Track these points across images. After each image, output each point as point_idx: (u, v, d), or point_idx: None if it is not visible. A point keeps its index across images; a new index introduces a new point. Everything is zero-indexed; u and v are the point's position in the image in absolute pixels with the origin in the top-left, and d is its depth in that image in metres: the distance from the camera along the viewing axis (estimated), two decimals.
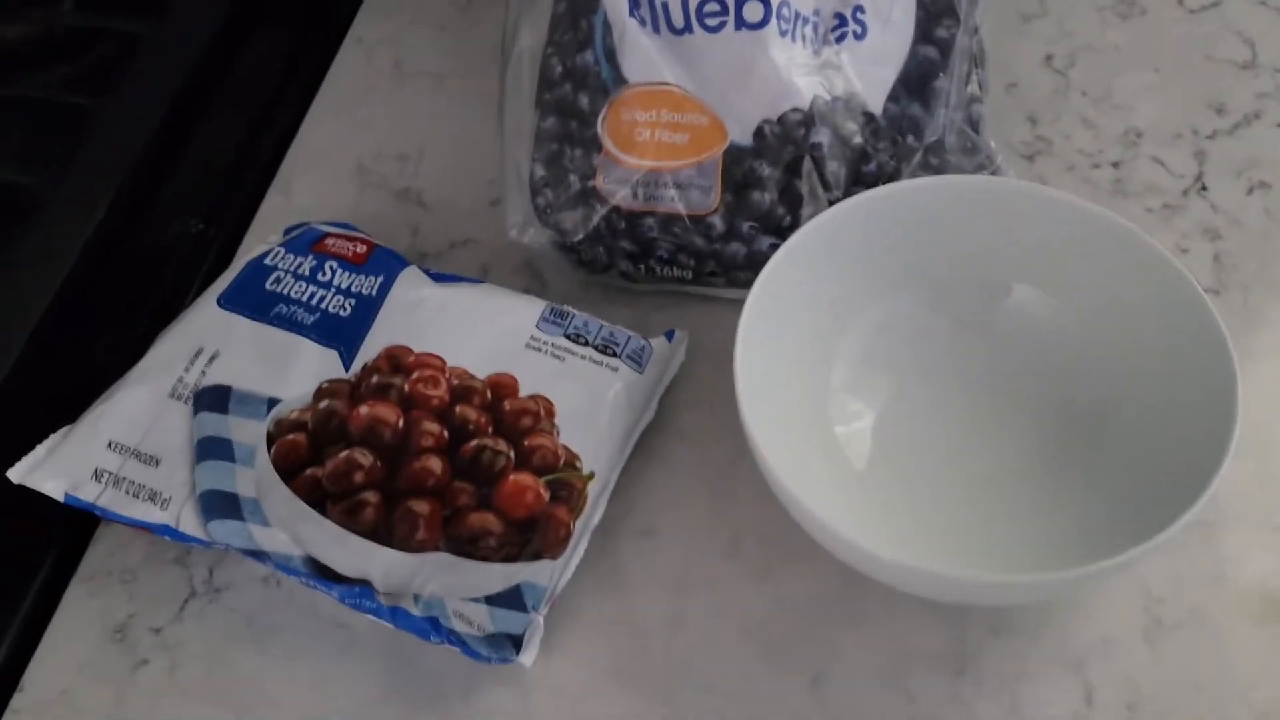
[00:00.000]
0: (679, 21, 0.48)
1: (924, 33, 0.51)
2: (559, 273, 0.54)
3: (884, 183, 0.48)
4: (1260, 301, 0.52)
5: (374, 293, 0.49)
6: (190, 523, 0.45)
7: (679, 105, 0.48)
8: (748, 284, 0.46)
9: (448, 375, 0.47)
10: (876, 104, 0.50)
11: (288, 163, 0.61)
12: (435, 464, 0.45)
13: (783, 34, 0.48)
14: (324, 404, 0.47)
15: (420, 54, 0.64)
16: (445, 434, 0.46)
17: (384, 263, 0.50)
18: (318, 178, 0.60)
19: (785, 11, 0.48)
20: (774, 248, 0.48)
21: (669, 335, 0.50)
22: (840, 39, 0.49)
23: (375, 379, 0.47)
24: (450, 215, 0.58)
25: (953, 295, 0.47)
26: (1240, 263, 0.53)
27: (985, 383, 0.47)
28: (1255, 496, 0.47)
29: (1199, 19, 0.60)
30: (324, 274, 0.50)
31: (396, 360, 0.47)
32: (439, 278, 0.51)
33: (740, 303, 0.45)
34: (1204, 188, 0.55)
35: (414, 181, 0.59)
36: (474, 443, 0.45)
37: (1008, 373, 0.47)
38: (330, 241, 0.51)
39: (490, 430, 0.46)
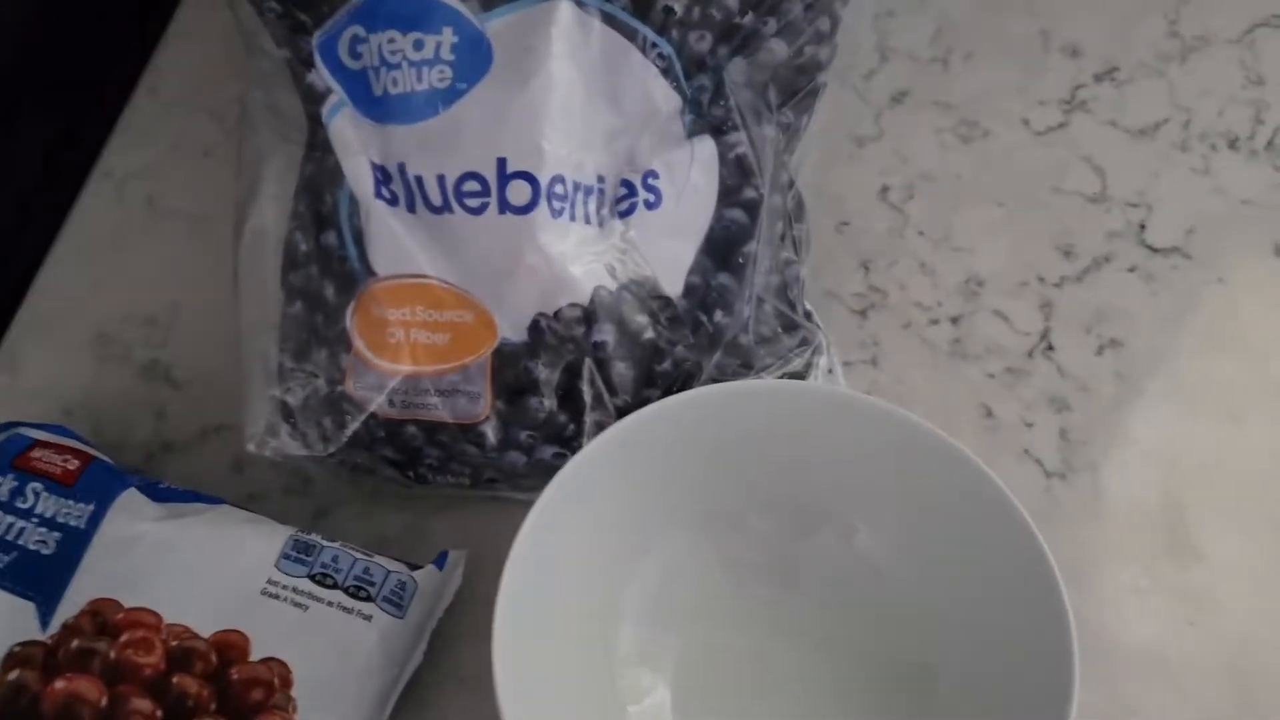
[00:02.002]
0: (436, 199, 0.41)
1: (729, 194, 0.44)
2: (323, 470, 0.46)
3: (682, 381, 0.42)
4: (1110, 484, 0.46)
5: (83, 524, 0.41)
6: None
7: (438, 301, 0.41)
8: (538, 488, 0.39)
9: (165, 636, 0.39)
10: (675, 283, 0.43)
11: (17, 329, 0.52)
12: None
13: (556, 215, 0.41)
14: (13, 675, 0.39)
15: (178, 189, 0.55)
16: (158, 713, 0.38)
17: (98, 483, 0.42)
18: (51, 349, 0.51)
19: (559, 189, 0.41)
20: (559, 456, 0.42)
21: (439, 561, 0.43)
22: (629, 211, 0.42)
23: (76, 643, 0.39)
24: (203, 394, 0.50)
25: (754, 529, 0.41)
26: (1089, 438, 0.47)
27: (796, 637, 0.40)
28: None
29: (1045, 142, 0.54)
30: (25, 499, 0.42)
31: (103, 619, 0.39)
32: (165, 496, 0.43)
33: (532, 504, 0.38)
34: (1050, 347, 0.49)
35: (162, 352, 0.51)
36: None
37: (823, 624, 0.40)
38: (37, 454, 0.43)
39: (213, 707, 0.38)
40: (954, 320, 0.50)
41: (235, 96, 0.57)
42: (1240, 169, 0.53)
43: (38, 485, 0.42)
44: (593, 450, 0.37)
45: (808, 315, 0.46)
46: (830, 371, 0.45)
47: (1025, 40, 0.57)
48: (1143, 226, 0.52)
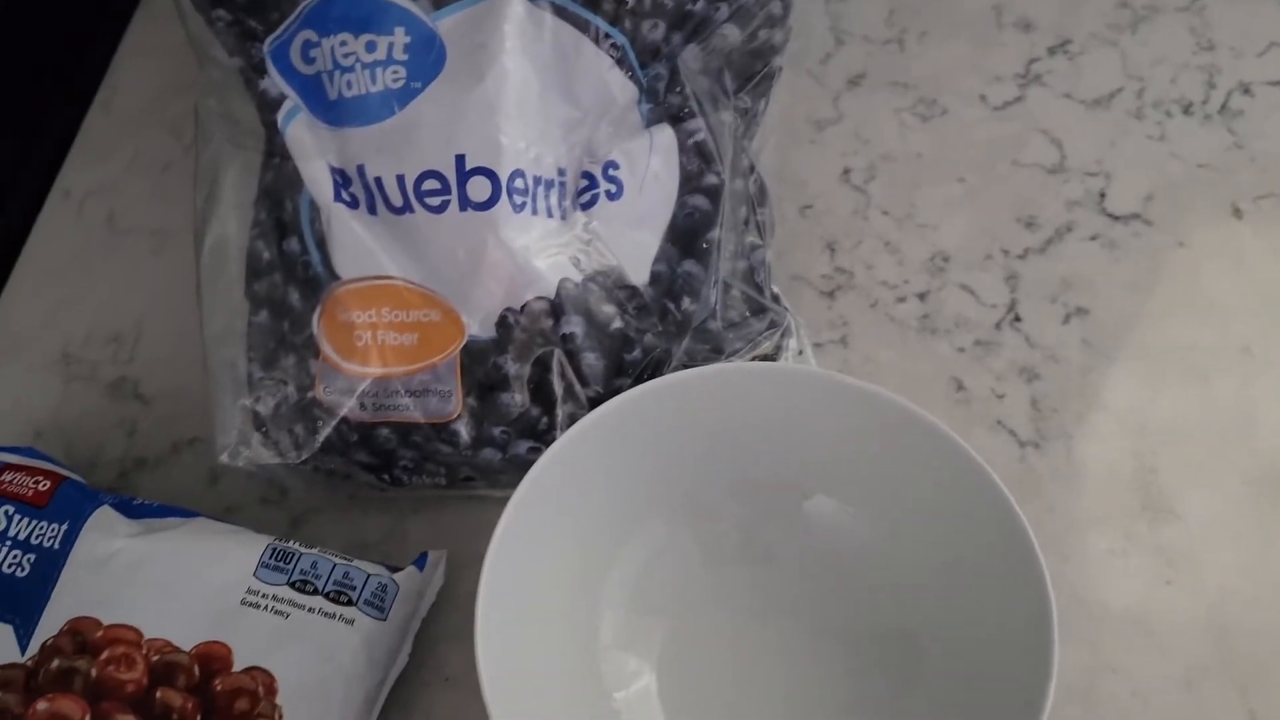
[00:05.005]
0: (397, 200, 0.41)
1: (691, 181, 0.44)
2: (299, 478, 0.46)
3: (652, 368, 0.42)
4: (1083, 450, 0.46)
5: (57, 544, 0.41)
6: None
7: (404, 301, 0.41)
8: (514, 484, 0.39)
9: (145, 651, 0.39)
10: (640, 272, 0.43)
11: None
12: None
13: (517, 209, 0.41)
14: None
15: (139, 206, 0.55)
16: None
17: (70, 502, 0.42)
18: (16, 372, 0.51)
19: (519, 183, 0.41)
20: (534, 450, 0.42)
21: (419, 562, 0.43)
22: (591, 203, 0.42)
23: (56, 663, 0.39)
24: (173, 409, 0.50)
25: (731, 511, 0.41)
26: (1060, 405, 0.48)
27: (779, 615, 0.40)
28: (1087, 692, 0.41)
29: (1003, 117, 0.55)
30: None
31: (82, 638, 0.39)
32: (139, 512, 0.42)
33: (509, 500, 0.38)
34: (1018, 318, 0.50)
35: (129, 369, 0.51)
36: None
37: (805, 600, 0.40)
38: (7, 477, 0.43)
39: (198, 719, 0.38)
40: (921, 296, 0.50)
41: (191, 110, 0.57)
42: (1195, 133, 0.54)
43: (10, 508, 0.42)
44: (565, 443, 0.37)
45: (775, 298, 0.46)
46: (800, 353, 0.45)
47: (978, 16, 0.57)
48: (1102, 195, 0.52)
